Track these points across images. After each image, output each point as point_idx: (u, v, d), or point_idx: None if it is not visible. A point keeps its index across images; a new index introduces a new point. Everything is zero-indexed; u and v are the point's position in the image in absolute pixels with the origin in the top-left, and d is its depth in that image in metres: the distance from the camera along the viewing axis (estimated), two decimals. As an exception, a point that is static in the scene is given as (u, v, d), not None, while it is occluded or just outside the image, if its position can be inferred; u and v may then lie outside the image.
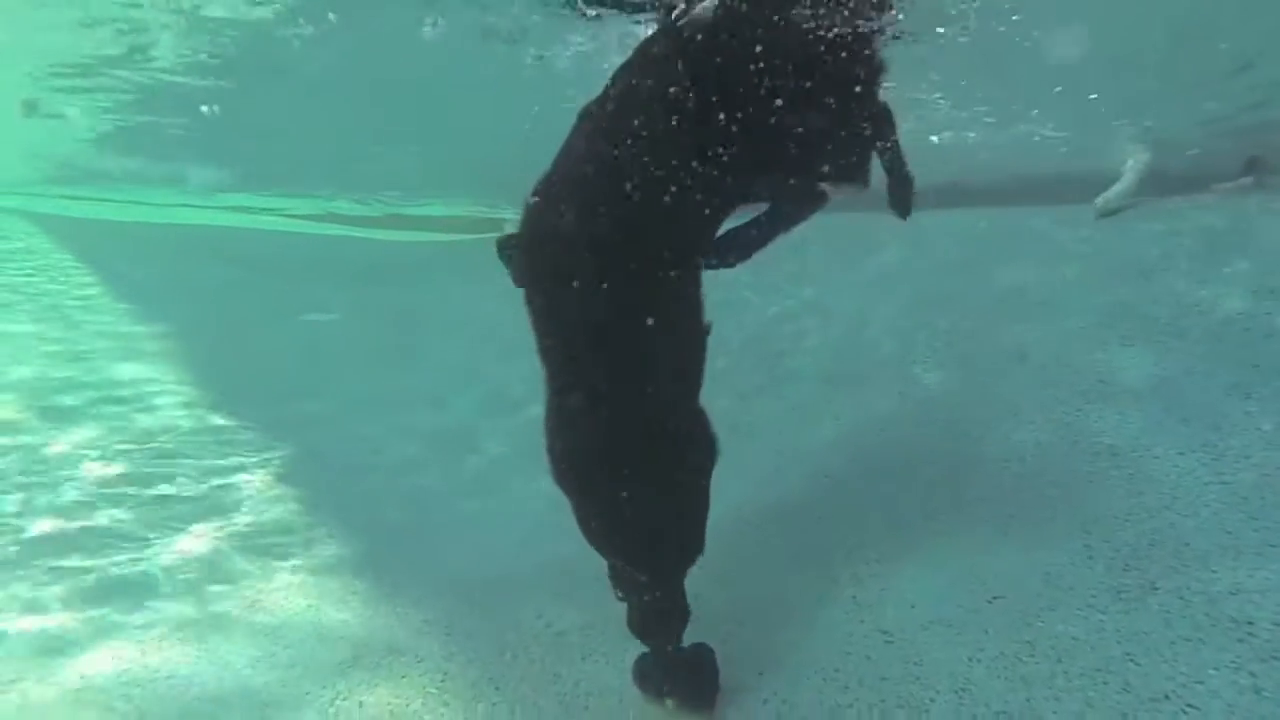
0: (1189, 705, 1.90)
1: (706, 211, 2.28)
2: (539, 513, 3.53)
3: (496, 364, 5.87)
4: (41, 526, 3.55)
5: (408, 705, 2.45)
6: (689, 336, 2.26)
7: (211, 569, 3.36)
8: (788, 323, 5.31)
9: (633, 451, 2.14)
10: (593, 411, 2.13)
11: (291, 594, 3.18)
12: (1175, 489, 2.64)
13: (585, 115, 2.29)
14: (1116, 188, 5.61)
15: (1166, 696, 1.94)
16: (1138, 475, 2.78)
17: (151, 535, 3.58)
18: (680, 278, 2.23)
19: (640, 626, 2.31)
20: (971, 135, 6.98)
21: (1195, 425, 2.88)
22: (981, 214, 6.22)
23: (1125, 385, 3.27)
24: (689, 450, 2.27)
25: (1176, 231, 4.56)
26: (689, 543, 2.31)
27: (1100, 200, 5.47)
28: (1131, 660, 2.07)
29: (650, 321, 2.12)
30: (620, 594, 2.37)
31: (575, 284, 2.09)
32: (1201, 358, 3.30)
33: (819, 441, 3.68)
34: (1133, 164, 6.00)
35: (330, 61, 7.08)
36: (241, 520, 3.81)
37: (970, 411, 3.45)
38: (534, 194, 2.22)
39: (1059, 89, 5.56)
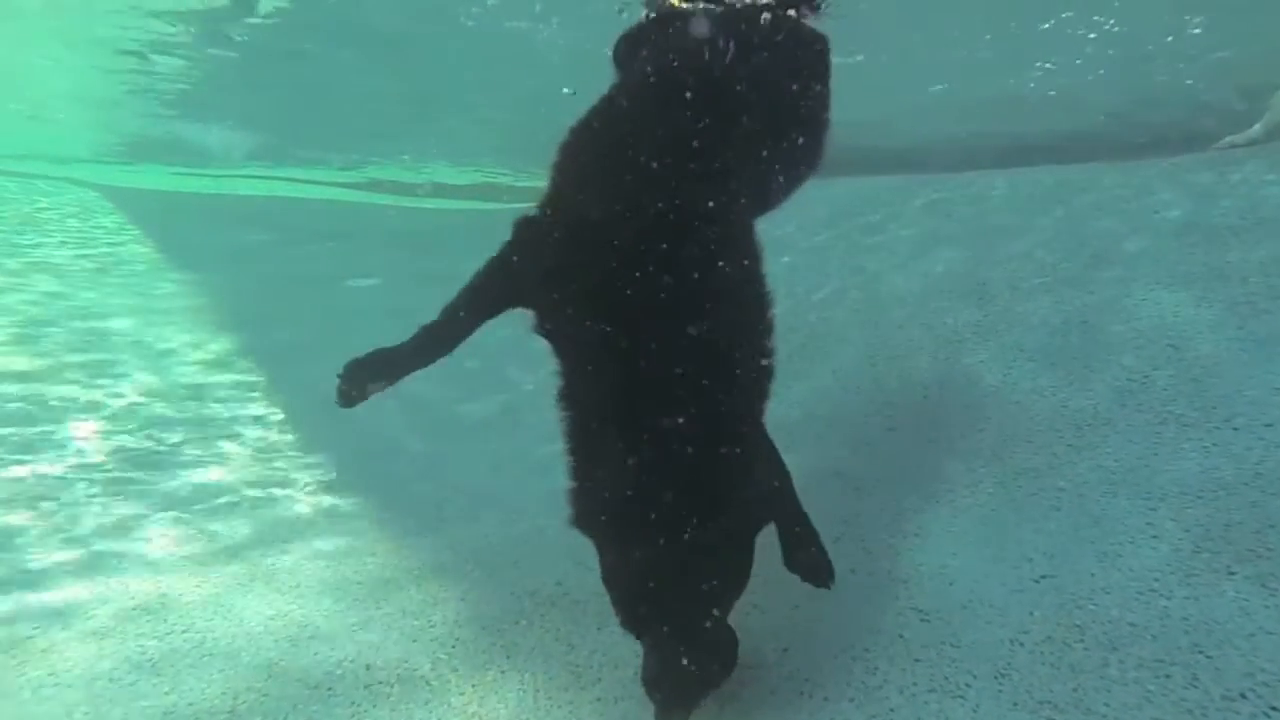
0: (1272, 708, 1.66)
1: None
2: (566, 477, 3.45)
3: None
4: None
5: (415, 670, 2.39)
6: (756, 354, 2.02)
7: (225, 530, 3.38)
8: (826, 287, 5.04)
9: (698, 489, 1.87)
10: (657, 438, 1.87)
11: (308, 554, 3.16)
12: (1261, 464, 2.35)
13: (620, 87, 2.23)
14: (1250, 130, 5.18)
15: (1243, 695, 1.71)
16: (1214, 448, 2.49)
17: (168, 489, 3.64)
18: (748, 276, 2.06)
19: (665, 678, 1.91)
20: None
21: (1287, 393, 2.56)
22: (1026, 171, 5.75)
23: (1202, 350, 2.95)
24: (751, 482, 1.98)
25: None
26: (733, 582, 1.99)
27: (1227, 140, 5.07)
28: (1201, 652, 1.84)
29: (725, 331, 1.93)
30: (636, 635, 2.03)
31: (641, 275, 1.89)
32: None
33: (858, 408, 3.46)
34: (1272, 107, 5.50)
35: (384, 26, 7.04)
36: (260, 476, 3.83)
37: (1020, 378, 3.18)
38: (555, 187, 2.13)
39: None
